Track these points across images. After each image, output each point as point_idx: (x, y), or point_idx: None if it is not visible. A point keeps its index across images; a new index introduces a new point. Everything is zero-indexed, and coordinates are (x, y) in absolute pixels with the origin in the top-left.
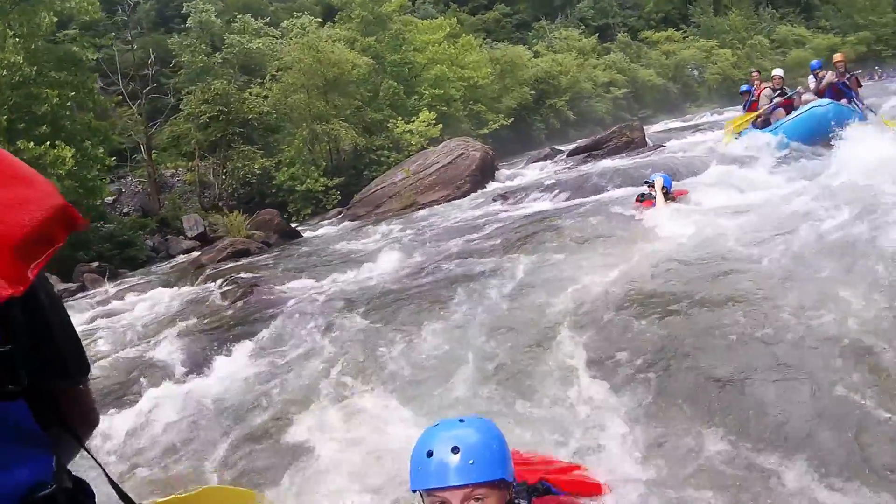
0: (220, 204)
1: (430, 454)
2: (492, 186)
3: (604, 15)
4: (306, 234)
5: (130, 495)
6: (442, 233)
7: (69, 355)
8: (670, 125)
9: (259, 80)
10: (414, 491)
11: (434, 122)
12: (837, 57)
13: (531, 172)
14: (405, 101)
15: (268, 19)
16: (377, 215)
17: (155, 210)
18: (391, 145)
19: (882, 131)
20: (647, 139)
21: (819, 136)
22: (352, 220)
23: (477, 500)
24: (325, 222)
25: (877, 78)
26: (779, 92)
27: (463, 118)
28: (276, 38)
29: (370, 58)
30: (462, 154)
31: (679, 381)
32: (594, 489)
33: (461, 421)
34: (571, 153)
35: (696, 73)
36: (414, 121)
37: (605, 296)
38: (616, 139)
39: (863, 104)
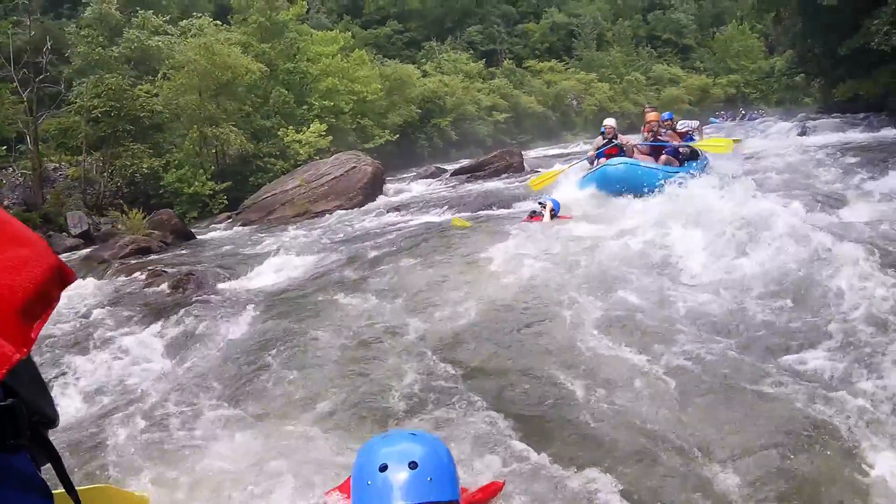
0: (105, 202)
1: (383, 468)
2: (381, 200)
3: (492, 41)
4: (200, 237)
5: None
6: (345, 240)
7: (48, 400)
8: (547, 151)
9: (150, 78)
10: None
11: (324, 133)
12: (650, 116)
13: (417, 188)
14: (295, 110)
15: (168, 17)
16: (270, 221)
17: (38, 204)
18: (278, 153)
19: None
20: (524, 164)
21: (619, 190)
22: (244, 225)
23: None
24: (217, 225)
25: (738, 119)
26: (606, 141)
27: (350, 131)
28: (174, 37)
29: (264, 64)
30: (354, 167)
31: (514, 394)
32: (497, 488)
33: (413, 435)
34: (455, 173)
35: (574, 103)
36: (304, 131)
37: (478, 306)
38: (497, 162)
39: (680, 157)
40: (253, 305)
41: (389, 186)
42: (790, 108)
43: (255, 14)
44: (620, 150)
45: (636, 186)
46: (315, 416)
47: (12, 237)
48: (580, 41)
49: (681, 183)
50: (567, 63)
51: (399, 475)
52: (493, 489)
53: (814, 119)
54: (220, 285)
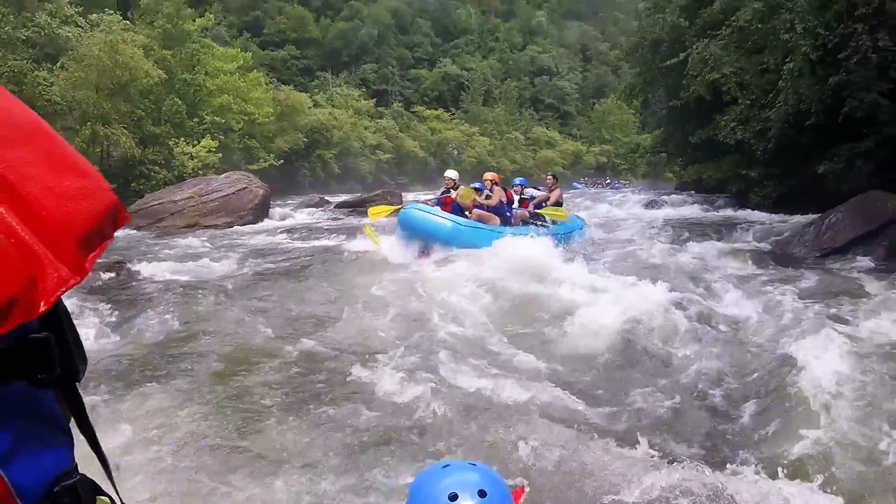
0: None
1: (453, 497)
2: (268, 222)
3: (385, 81)
4: None
5: None
6: (242, 254)
7: (79, 345)
8: (423, 196)
9: (50, 66)
10: None
11: (215, 149)
12: (487, 175)
13: (302, 216)
14: (186, 121)
15: (81, 9)
16: (160, 228)
17: None
18: (163, 162)
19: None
20: (404, 205)
21: (412, 236)
22: (136, 229)
23: None
24: None
25: (601, 187)
26: (443, 191)
27: (237, 150)
28: (85, 30)
29: (163, 71)
30: (246, 188)
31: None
32: (520, 494)
33: (473, 465)
34: (339, 205)
35: (455, 152)
36: (196, 145)
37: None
38: (379, 200)
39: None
40: (155, 302)
41: (275, 210)
42: (654, 182)
43: (163, 19)
44: (454, 203)
45: (427, 234)
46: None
47: (73, 166)
48: (468, 94)
49: (489, 238)
50: (453, 113)
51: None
52: (518, 495)
53: (667, 195)
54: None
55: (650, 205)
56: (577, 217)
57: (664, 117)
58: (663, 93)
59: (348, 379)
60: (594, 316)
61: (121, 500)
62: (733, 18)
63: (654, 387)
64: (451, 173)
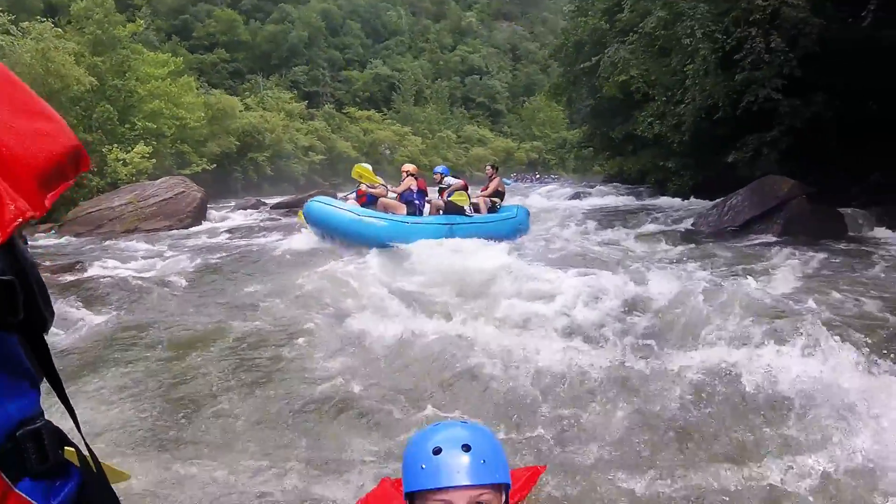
0: None
1: (437, 451)
2: (207, 224)
3: (315, 83)
4: (32, 243)
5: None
6: (191, 253)
7: (46, 296)
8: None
9: None
10: (408, 494)
11: (148, 156)
12: (404, 166)
13: (239, 217)
14: (117, 127)
15: (14, 17)
16: (101, 235)
17: None
18: (95, 170)
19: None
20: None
21: (317, 226)
22: (75, 236)
23: None
24: (41, 235)
25: (530, 182)
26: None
27: (169, 156)
28: (15, 38)
29: (94, 77)
30: (183, 192)
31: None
32: (538, 472)
33: (463, 423)
34: (275, 206)
35: (388, 152)
36: (129, 151)
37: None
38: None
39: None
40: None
41: (212, 213)
42: (583, 176)
43: (93, 25)
44: (368, 196)
45: (327, 225)
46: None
47: (40, 112)
48: (399, 95)
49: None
50: (385, 114)
51: (454, 458)
52: (535, 473)
53: (591, 187)
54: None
55: (575, 196)
56: (518, 207)
57: (588, 114)
58: (586, 91)
59: (281, 357)
60: (518, 306)
61: (89, 450)
62: (641, 25)
63: (585, 363)
64: (363, 166)
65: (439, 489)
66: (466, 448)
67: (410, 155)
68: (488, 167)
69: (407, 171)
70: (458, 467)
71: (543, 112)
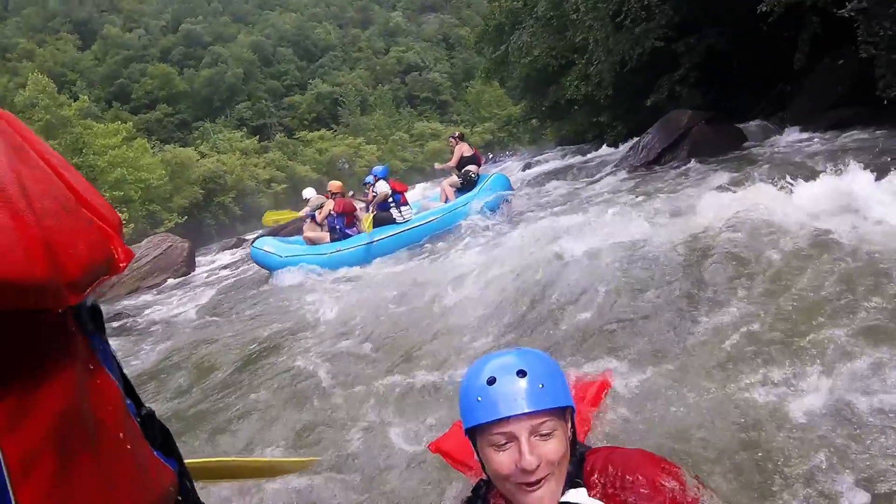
0: None
1: (492, 381)
2: (201, 268)
3: (261, 115)
4: None
5: None
6: (201, 292)
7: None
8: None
9: None
10: (468, 431)
11: (125, 222)
12: (336, 185)
13: (226, 257)
14: None
15: None
16: (108, 300)
17: None
18: None
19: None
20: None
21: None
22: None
23: (544, 436)
24: None
25: (485, 163)
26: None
27: (140, 218)
28: None
29: None
30: (171, 245)
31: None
32: (604, 387)
33: (516, 348)
34: (255, 240)
35: (346, 166)
36: None
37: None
38: (290, 226)
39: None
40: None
41: (200, 259)
42: (539, 147)
43: (42, 111)
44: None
45: (267, 269)
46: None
47: (95, 191)
48: (345, 108)
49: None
50: (335, 130)
51: (509, 385)
52: (601, 387)
53: (542, 154)
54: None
55: (526, 167)
56: (487, 184)
57: (522, 88)
58: (514, 69)
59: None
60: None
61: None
62: (535, 9)
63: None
64: (307, 192)
65: (498, 421)
66: (522, 374)
67: (369, 164)
68: (451, 138)
69: (330, 192)
70: (514, 395)
71: (487, 93)
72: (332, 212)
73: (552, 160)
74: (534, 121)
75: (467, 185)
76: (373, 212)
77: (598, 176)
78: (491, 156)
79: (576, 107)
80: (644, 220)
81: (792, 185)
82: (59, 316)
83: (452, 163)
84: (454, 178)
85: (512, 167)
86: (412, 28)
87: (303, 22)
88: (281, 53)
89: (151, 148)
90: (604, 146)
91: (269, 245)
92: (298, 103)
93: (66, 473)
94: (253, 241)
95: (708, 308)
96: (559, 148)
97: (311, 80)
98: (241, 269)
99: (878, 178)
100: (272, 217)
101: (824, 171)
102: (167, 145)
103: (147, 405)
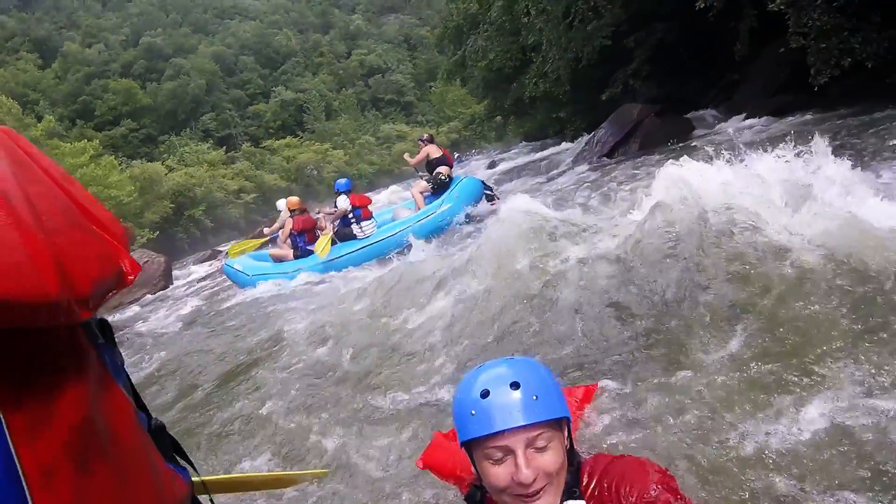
0: None
1: (485, 394)
2: (179, 282)
3: (226, 126)
4: None
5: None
6: (186, 304)
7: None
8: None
9: None
10: (463, 444)
11: None
12: (293, 201)
13: (202, 269)
14: None
15: None
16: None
17: None
18: None
19: None
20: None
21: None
22: None
23: (540, 448)
24: None
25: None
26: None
27: None
28: None
29: None
30: (147, 261)
31: None
32: (591, 390)
33: (508, 359)
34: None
35: (315, 173)
36: None
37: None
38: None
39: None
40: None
41: (177, 273)
42: (505, 143)
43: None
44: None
45: (239, 285)
46: None
47: (100, 205)
48: (310, 114)
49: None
50: (302, 137)
51: (503, 398)
52: (590, 391)
53: (507, 151)
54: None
55: (491, 165)
56: (454, 190)
57: (483, 87)
58: (477, 73)
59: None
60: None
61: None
62: (488, 16)
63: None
64: (279, 204)
65: (493, 434)
66: (515, 386)
67: (337, 169)
68: (419, 141)
69: (289, 209)
70: (508, 408)
71: (451, 93)
72: (291, 231)
73: (515, 157)
74: (497, 118)
75: (439, 188)
76: (333, 229)
77: (552, 173)
78: (457, 155)
79: (536, 103)
80: (596, 218)
81: (724, 168)
82: (71, 330)
83: (414, 161)
84: (423, 184)
85: (477, 166)
86: (373, 30)
87: (263, 29)
88: (243, 62)
89: (119, 164)
90: (565, 141)
91: (239, 263)
92: (263, 112)
93: (83, 483)
94: (263, 242)
95: (661, 311)
96: (524, 144)
97: (274, 88)
98: (217, 281)
99: (803, 164)
100: (237, 250)
101: (749, 158)
102: (134, 161)
103: (156, 417)
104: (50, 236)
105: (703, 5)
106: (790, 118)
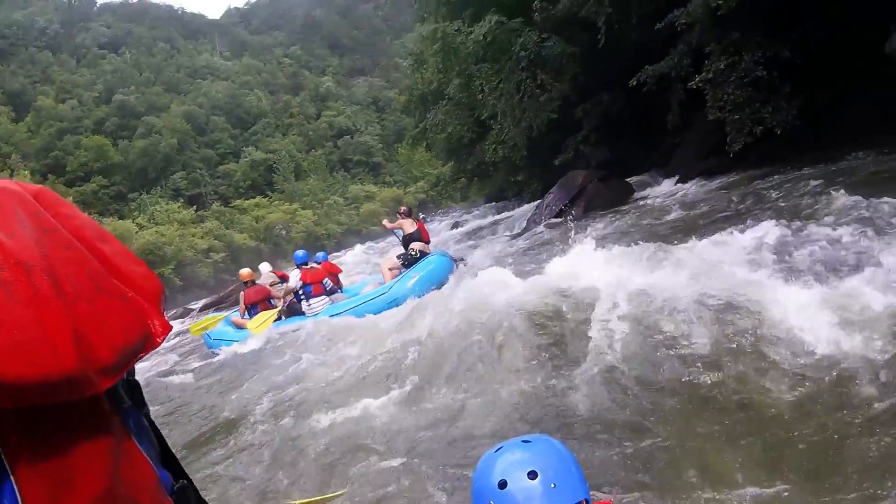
0: None
1: (503, 484)
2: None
3: (196, 185)
4: None
5: None
6: (170, 358)
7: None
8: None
9: None
10: None
11: None
12: (245, 274)
13: (177, 325)
14: None
15: None
16: None
17: None
18: None
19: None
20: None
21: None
22: None
23: None
24: None
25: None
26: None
27: None
28: None
29: None
30: None
31: None
32: None
33: (526, 441)
34: (202, 309)
35: (283, 233)
36: None
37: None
38: (234, 294)
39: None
40: None
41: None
42: (471, 203)
43: None
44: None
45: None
46: None
47: (133, 258)
48: (279, 175)
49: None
50: (271, 197)
51: (521, 489)
52: None
53: (470, 212)
54: None
55: (454, 226)
56: (436, 261)
57: (446, 152)
58: (437, 141)
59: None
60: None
61: None
62: (446, 92)
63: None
64: (244, 272)
65: None
66: (533, 475)
67: (305, 229)
68: (397, 213)
69: (242, 281)
70: (527, 499)
71: (418, 154)
72: (244, 305)
73: (477, 218)
74: (462, 180)
75: (410, 264)
76: (285, 303)
77: (503, 235)
78: (422, 216)
79: (496, 167)
80: (537, 277)
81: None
82: (92, 397)
83: (390, 225)
84: (394, 260)
85: (442, 227)
86: (342, 92)
87: (234, 90)
88: (214, 122)
89: None
90: (524, 202)
91: (210, 329)
92: (233, 171)
93: None
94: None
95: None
96: (486, 205)
97: (244, 148)
98: (188, 337)
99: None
100: (198, 326)
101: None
102: (105, 218)
103: (183, 477)
104: (72, 306)
105: (635, 82)
106: (716, 180)
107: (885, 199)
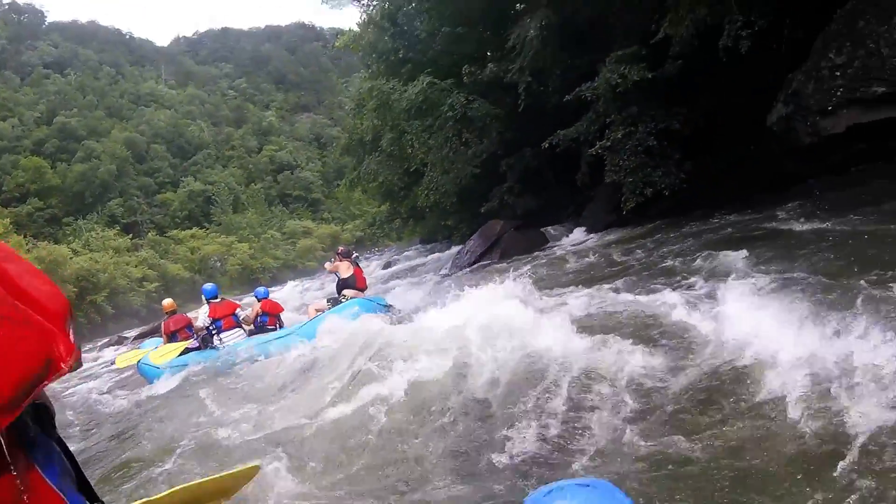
0: None
1: None
2: (87, 366)
3: (133, 212)
4: None
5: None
6: (106, 385)
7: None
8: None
9: None
10: None
11: None
12: (166, 304)
13: (110, 354)
14: None
15: None
16: None
17: None
18: None
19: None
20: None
21: None
22: None
23: None
24: None
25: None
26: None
27: None
28: None
29: None
30: None
31: None
32: None
33: (584, 486)
34: (136, 337)
35: (219, 264)
36: None
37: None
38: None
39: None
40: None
41: (86, 356)
42: (406, 242)
43: None
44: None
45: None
46: None
47: (41, 274)
48: (217, 206)
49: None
50: (208, 228)
51: None
52: None
53: (399, 254)
54: None
55: (386, 265)
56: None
57: (382, 195)
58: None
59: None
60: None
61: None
62: (380, 144)
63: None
64: (165, 302)
65: None
66: None
67: (241, 262)
68: (335, 254)
69: (164, 311)
70: None
71: (356, 193)
72: (165, 334)
73: (408, 259)
74: (397, 221)
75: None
76: (198, 338)
77: (428, 277)
78: (355, 255)
79: (429, 210)
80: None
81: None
82: None
83: (328, 269)
84: (323, 303)
85: (376, 266)
86: (285, 127)
87: (177, 119)
88: (154, 150)
89: (25, 245)
90: (454, 245)
91: (135, 356)
92: (171, 201)
93: None
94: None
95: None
96: (419, 245)
97: (183, 178)
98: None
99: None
100: (123, 360)
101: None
102: (39, 241)
103: (101, 500)
104: None
105: (547, 145)
106: (615, 233)
107: (730, 253)
